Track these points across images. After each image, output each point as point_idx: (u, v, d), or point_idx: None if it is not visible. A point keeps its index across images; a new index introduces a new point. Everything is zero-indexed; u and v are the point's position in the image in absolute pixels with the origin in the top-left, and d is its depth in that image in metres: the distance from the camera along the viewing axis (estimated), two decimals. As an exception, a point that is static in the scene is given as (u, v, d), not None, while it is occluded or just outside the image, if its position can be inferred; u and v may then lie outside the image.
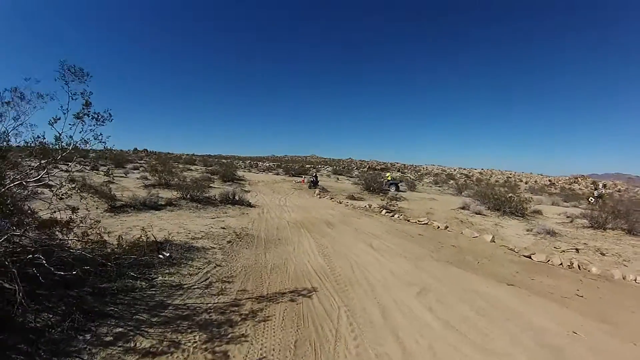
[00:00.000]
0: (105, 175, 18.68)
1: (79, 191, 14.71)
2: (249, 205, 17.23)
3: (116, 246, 7.80)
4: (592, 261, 10.08)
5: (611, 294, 7.82)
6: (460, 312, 6.26)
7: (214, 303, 6.16)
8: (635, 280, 8.69)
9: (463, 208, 18.28)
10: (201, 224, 12.12)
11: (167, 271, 7.49)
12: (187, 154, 47.51)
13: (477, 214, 17.25)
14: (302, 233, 11.98)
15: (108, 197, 13.76)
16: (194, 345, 4.83)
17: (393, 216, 15.96)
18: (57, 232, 6.68)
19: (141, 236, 8.11)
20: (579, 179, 63.66)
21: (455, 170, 76.61)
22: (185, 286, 6.85)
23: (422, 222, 14.59)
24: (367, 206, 18.31)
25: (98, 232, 7.23)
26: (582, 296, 7.54)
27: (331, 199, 21.75)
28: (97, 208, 13.38)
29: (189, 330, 5.20)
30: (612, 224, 14.59)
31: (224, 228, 11.85)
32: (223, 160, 35.98)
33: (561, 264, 9.60)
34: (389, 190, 26.45)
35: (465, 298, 6.93)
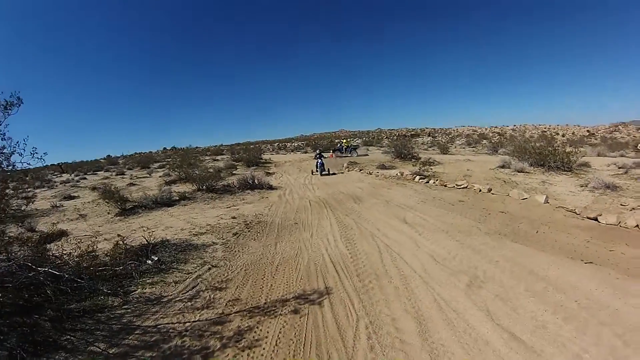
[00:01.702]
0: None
1: (100, 198, 14.55)
2: (270, 187, 15.89)
3: (106, 255, 6.88)
4: None
5: None
6: (532, 315, 4.40)
7: (194, 321, 4.83)
8: None
9: (502, 167, 16.24)
10: (212, 216, 10.89)
11: (150, 280, 6.33)
12: (215, 146, 46.85)
13: (519, 171, 15.16)
14: (324, 213, 10.44)
15: (118, 200, 12.84)
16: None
17: (428, 182, 14.06)
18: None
19: (117, 243, 6.85)
20: (620, 127, 58.57)
21: (487, 129, 72.81)
22: (164, 299, 5.62)
23: (461, 186, 12.64)
24: (399, 174, 16.49)
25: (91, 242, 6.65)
26: None
27: (360, 170, 19.59)
28: (108, 213, 12.62)
29: (149, 367, 3.89)
30: None
31: (234, 217, 10.55)
32: (250, 147, 35.00)
33: (637, 225, 7.52)
34: (348, 155, 28.58)
35: (535, 289, 5.03)
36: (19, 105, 5.14)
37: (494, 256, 6.30)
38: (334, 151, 30.73)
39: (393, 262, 6.31)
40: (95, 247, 6.84)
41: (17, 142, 5.12)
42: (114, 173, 29.05)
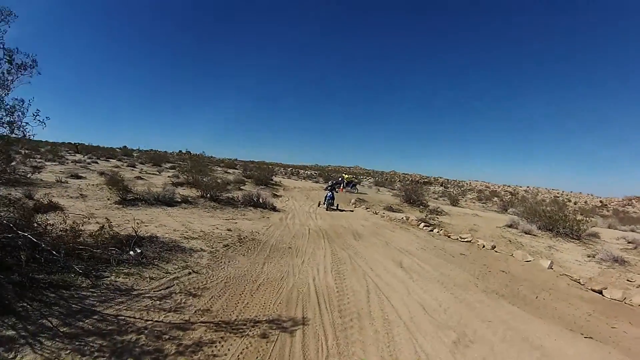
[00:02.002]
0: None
1: (105, 183, 14.50)
2: (273, 209, 15.63)
3: (90, 236, 6.69)
4: None
5: None
6: None
7: (157, 321, 4.53)
8: None
9: (510, 226, 15.90)
10: (208, 224, 10.66)
11: (126, 270, 6.07)
12: (229, 159, 47.11)
13: (526, 233, 14.82)
14: (321, 243, 10.10)
15: (121, 189, 12.72)
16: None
17: (432, 230, 13.71)
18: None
19: (103, 226, 6.62)
20: (633, 201, 57.48)
21: (499, 187, 72.04)
22: (134, 292, 5.35)
23: (465, 240, 12.27)
24: (404, 218, 16.18)
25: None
26: None
27: (367, 209, 19.31)
28: (108, 199, 12.48)
29: (95, 354, 3.73)
30: None
31: (229, 230, 10.29)
32: (263, 166, 35.03)
33: None
34: (351, 191, 28.58)
35: (528, 359, 4.65)
36: (34, 67, 5.05)
37: (487, 316, 5.90)
38: (333, 185, 29.01)
39: (379, 305, 5.92)
40: (81, 225, 6.65)
41: (22, 101, 5.02)
42: (125, 164, 29.22)
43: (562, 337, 5.37)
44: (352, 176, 35.28)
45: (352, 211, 18.36)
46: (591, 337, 5.48)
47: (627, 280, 8.98)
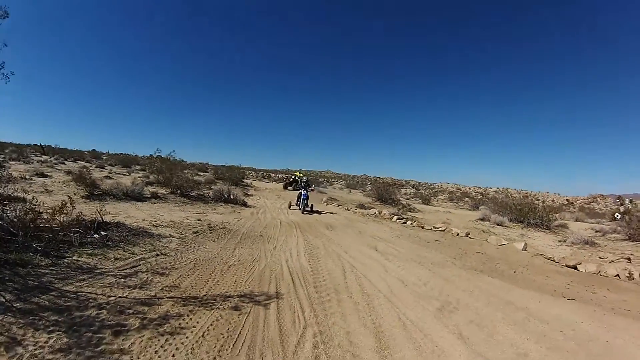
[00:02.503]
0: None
1: (71, 181, 13.82)
2: (244, 205, 15.26)
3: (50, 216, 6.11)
4: None
5: None
6: (512, 343, 3.86)
7: (120, 297, 4.18)
8: None
9: (482, 219, 16.23)
10: (178, 216, 10.20)
11: (89, 251, 5.68)
12: (201, 163, 46.20)
13: (498, 225, 15.17)
14: (293, 232, 9.83)
15: (88, 184, 12.11)
16: (34, 352, 2.86)
17: (405, 222, 13.65)
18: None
19: (65, 204, 6.16)
20: (598, 198, 60.19)
21: (470, 188, 73.67)
22: (97, 271, 4.97)
23: (439, 229, 12.25)
24: (377, 212, 16.12)
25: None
26: None
27: (338, 206, 19.17)
28: (75, 194, 11.81)
29: (50, 329, 3.35)
30: None
31: (199, 220, 9.91)
32: (235, 169, 34.43)
33: (617, 275, 7.39)
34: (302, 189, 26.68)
35: (514, 318, 4.52)
36: (5, 17, 4.73)
37: (468, 287, 5.81)
38: (287, 185, 28.98)
39: (357, 281, 5.72)
40: (40, 205, 6.19)
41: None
42: (94, 165, 28.19)
43: (545, 300, 5.37)
44: (303, 175, 32.80)
45: (324, 208, 18.14)
46: (574, 299, 5.53)
47: (599, 258, 9.29)
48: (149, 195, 13.36)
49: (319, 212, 15.58)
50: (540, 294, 5.71)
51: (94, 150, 44.87)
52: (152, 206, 11.72)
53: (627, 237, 12.99)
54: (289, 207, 16.10)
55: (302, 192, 15.69)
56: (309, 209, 15.72)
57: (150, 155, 26.51)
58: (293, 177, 29.83)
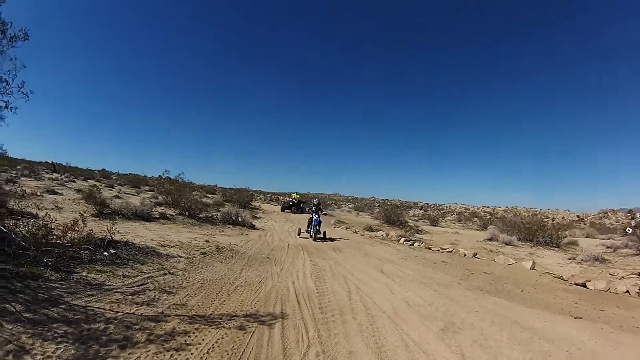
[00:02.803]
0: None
1: (82, 199, 13.99)
2: (252, 227, 15.33)
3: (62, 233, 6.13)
4: None
5: None
6: None
7: (127, 313, 4.20)
8: None
9: (491, 239, 15.99)
10: (186, 237, 10.25)
11: (99, 268, 5.74)
12: (209, 185, 46.43)
13: (506, 244, 14.93)
14: (300, 255, 9.83)
15: (98, 203, 12.26)
16: (40, 365, 2.91)
17: (412, 244, 13.59)
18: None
19: (77, 221, 6.24)
20: (609, 213, 58.91)
21: (479, 208, 72.43)
22: (106, 287, 5.02)
23: (446, 250, 12.18)
24: (384, 235, 16.06)
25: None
26: None
27: (346, 229, 19.05)
28: (84, 212, 11.94)
29: (58, 340, 3.39)
30: None
31: (207, 241, 9.96)
32: (243, 191, 34.54)
33: (627, 291, 7.23)
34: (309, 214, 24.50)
35: (519, 338, 4.44)
36: (25, 39, 4.99)
37: (473, 307, 5.73)
38: (284, 208, 27.66)
39: (362, 302, 5.67)
40: (53, 221, 6.27)
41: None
42: (103, 184, 28.47)
43: (551, 319, 5.29)
44: (299, 196, 29.82)
45: (332, 231, 18.07)
46: (581, 318, 5.44)
47: (609, 274, 9.09)
48: (158, 216, 13.45)
49: (332, 239, 13.96)
50: (546, 313, 5.65)
51: (103, 169, 45.30)
52: (161, 227, 11.80)
53: (638, 252, 12.60)
54: (299, 235, 14.23)
55: (314, 217, 13.92)
56: (321, 236, 13.91)
57: (159, 176, 26.73)
58: (292, 200, 28.72)
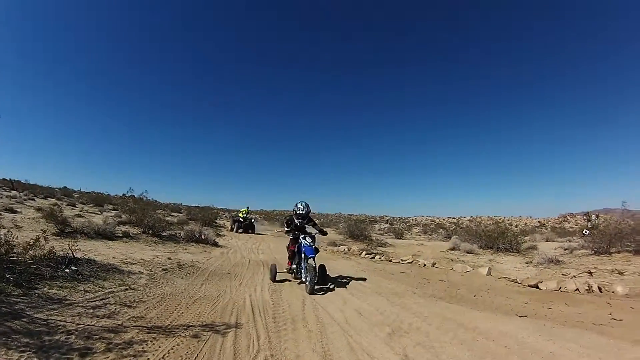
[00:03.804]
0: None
1: (42, 217, 13.71)
2: (215, 245, 15.36)
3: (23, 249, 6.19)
4: (612, 282, 8.17)
5: None
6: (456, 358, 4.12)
7: (88, 325, 4.39)
8: None
9: (453, 249, 16.45)
10: (149, 255, 10.31)
11: (60, 284, 5.84)
12: (174, 203, 45.72)
13: (468, 252, 15.39)
14: (260, 270, 10.03)
15: (59, 221, 12.11)
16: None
17: (373, 257, 13.93)
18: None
19: (38, 238, 6.33)
20: (568, 217, 61.48)
21: (445, 219, 73.61)
22: (67, 301, 5.17)
23: (406, 261, 12.55)
24: (347, 249, 16.37)
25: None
26: (620, 319, 5.50)
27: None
28: (44, 231, 11.72)
29: (21, 349, 3.56)
30: (617, 247, 12.93)
31: (169, 259, 10.07)
32: (209, 210, 34.31)
33: (577, 289, 7.67)
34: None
35: (463, 338, 4.72)
36: None
37: (423, 312, 6.00)
38: (234, 223, 24.90)
39: (314, 312, 5.94)
40: (14, 238, 6.32)
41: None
42: (65, 203, 27.66)
43: (497, 319, 5.58)
44: (249, 212, 26.23)
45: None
46: (526, 316, 5.81)
47: (562, 275, 9.59)
48: (121, 235, 13.36)
49: (346, 280, 8.83)
50: (495, 314, 5.97)
51: (65, 187, 43.65)
52: (124, 245, 11.77)
53: (593, 252, 13.41)
54: (273, 279, 8.38)
55: (302, 243, 8.06)
56: (325, 286, 7.90)
57: (123, 194, 26.27)
58: (239, 217, 25.11)
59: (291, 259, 8.73)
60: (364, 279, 9.09)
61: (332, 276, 9.03)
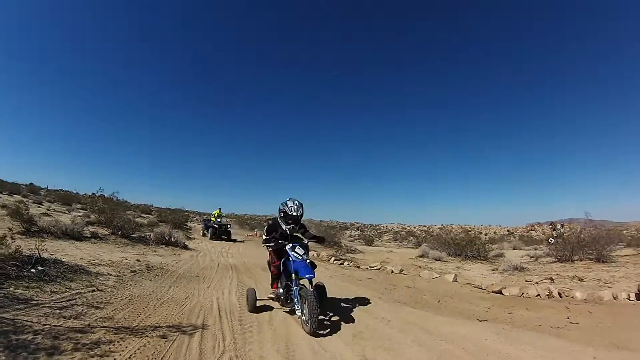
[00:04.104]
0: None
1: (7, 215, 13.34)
2: (185, 247, 15.31)
3: None
4: (572, 288, 8.50)
5: (610, 317, 6.12)
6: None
7: (55, 325, 4.42)
8: (628, 298, 7.17)
9: (422, 256, 16.68)
10: (117, 256, 10.22)
11: (26, 284, 5.78)
12: (145, 204, 44.89)
13: (436, 260, 15.67)
14: (228, 274, 10.14)
15: (24, 220, 11.81)
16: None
17: (342, 263, 14.13)
18: None
19: (5, 236, 6.29)
20: (536, 227, 63.81)
21: (415, 227, 74.60)
22: (34, 302, 5.18)
23: (374, 268, 12.74)
24: (316, 255, 16.49)
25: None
26: (577, 323, 5.77)
27: None
28: (10, 229, 11.45)
29: (-12, 350, 3.50)
30: (579, 255, 13.48)
31: (138, 261, 10.04)
32: (180, 212, 33.93)
33: (538, 295, 7.95)
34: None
35: (423, 340, 4.90)
36: None
37: (387, 317, 6.12)
38: (207, 229, 22.99)
39: (282, 316, 6.05)
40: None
41: None
42: (31, 200, 26.81)
43: (458, 324, 5.74)
44: (222, 213, 24.40)
45: (267, 251, 18.16)
46: (486, 320, 6.01)
47: (526, 281, 9.94)
48: (89, 235, 13.14)
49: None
50: (457, 319, 6.12)
51: (31, 184, 42.14)
52: (92, 246, 11.60)
53: (557, 260, 13.94)
54: (252, 310, 6.19)
55: (291, 257, 5.81)
56: (325, 318, 5.89)
57: (93, 194, 25.69)
58: (213, 222, 22.88)
59: (277, 279, 6.43)
60: (331, 285, 9.23)
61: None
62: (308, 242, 6.29)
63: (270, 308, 6.38)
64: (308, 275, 5.44)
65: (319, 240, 6.81)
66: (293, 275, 5.56)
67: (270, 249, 6.34)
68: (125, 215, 17.71)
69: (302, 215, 6.20)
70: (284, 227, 6.20)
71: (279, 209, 6.25)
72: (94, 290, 6.25)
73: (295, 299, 5.42)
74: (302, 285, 5.57)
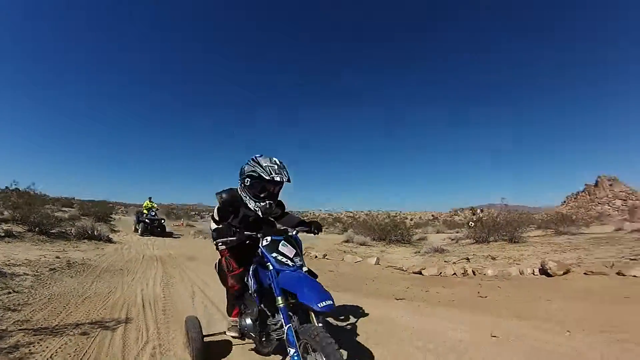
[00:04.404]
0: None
1: None
2: (109, 241, 14.89)
3: None
4: (485, 266, 9.52)
5: (516, 290, 7.00)
6: None
7: (-31, 332, 4.33)
8: (533, 273, 8.20)
9: (347, 241, 17.40)
10: (35, 255, 9.78)
11: None
12: (66, 197, 42.06)
13: (361, 245, 16.52)
14: (153, 265, 10.16)
15: None
16: None
17: None
18: None
19: None
20: (458, 212, 69.15)
21: (342, 214, 76.80)
22: (-59, 309, 4.93)
23: None
24: None
25: None
26: (486, 297, 6.55)
27: (204, 238, 19.06)
28: None
29: None
30: (495, 236, 15.17)
31: (58, 257, 9.68)
32: (104, 204, 32.29)
33: (454, 273, 8.80)
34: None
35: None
36: None
37: None
38: (138, 223, 20.45)
39: (202, 303, 6.30)
40: None
41: None
42: None
43: (376, 304, 6.13)
44: (153, 203, 22.16)
45: (194, 241, 18.12)
46: (403, 299, 6.60)
47: (444, 262, 10.86)
48: (3, 234, 12.37)
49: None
50: (376, 299, 6.62)
51: None
52: (6, 245, 10.95)
53: (475, 241, 15.59)
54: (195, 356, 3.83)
55: (271, 260, 3.05)
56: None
57: (6, 188, 23.77)
58: (144, 214, 20.90)
59: (238, 300, 3.97)
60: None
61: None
62: (296, 232, 3.56)
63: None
64: (320, 305, 2.50)
65: (313, 228, 3.90)
66: (279, 299, 2.84)
67: (223, 247, 3.74)
68: (44, 210, 16.68)
69: (287, 181, 3.43)
70: (251, 204, 3.57)
71: (244, 170, 3.53)
72: (9, 292, 6.07)
73: (292, 346, 2.61)
74: (322, 338, 2.35)
